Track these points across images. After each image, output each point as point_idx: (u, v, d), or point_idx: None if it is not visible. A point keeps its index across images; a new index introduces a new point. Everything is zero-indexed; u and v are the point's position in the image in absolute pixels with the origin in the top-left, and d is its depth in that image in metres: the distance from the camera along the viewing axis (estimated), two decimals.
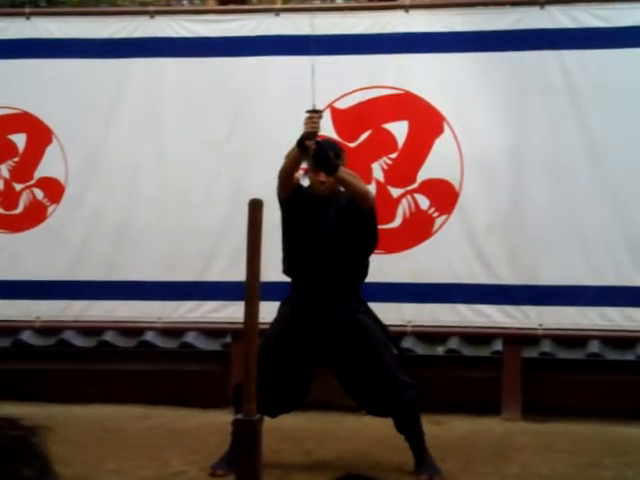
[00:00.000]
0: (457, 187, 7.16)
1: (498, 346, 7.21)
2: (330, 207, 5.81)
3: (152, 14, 7.59)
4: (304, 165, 5.87)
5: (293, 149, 5.61)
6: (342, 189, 5.83)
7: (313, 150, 5.52)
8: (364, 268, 5.89)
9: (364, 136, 7.28)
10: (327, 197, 5.81)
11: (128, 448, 6.31)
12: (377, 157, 7.25)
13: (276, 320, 5.88)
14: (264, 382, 5.15)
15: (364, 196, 5.71)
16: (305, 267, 5.77)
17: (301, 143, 5.52)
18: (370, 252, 5.91)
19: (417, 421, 5.78)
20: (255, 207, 4.53)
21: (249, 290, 4.45)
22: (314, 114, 5.54)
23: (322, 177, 5.72)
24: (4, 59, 7.69)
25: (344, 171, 5.69)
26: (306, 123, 5.54)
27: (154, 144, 7.50)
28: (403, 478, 5.71)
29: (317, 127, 5.53)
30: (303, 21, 7.41)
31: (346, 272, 5.77)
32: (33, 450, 1.31)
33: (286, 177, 5.73)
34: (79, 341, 7.67)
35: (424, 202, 7.21)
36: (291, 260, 5.87)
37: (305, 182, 5.96)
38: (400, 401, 5.70)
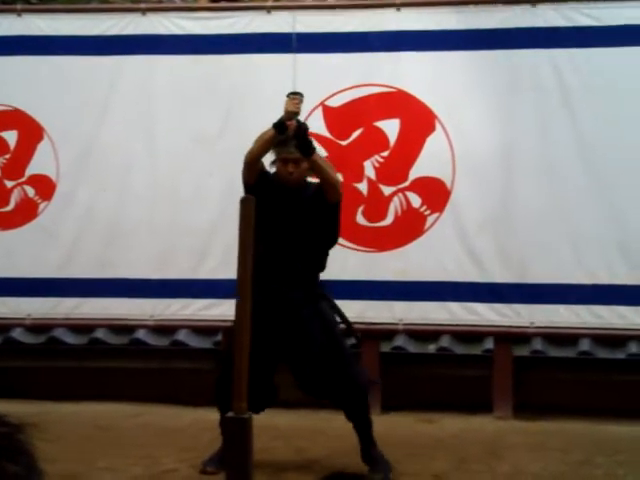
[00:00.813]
0: (449, 185, 7.16)
1: (489, 344, 7.22)
2: (295, 198, 5.73)
3: (144, 11, 7.58)
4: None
5: (267, 132, 5.57)
6: (308, 180, 5.79)
7: (293, 129, 5.48)
8: (324, 260, 5.83)
9: (356, 134, 7.28)
10: (293, 188, 5.73)
11: (120, 446, 6.30)
12: (369, 155, 7.25)
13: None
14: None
15: (335, 185, 5.66)
16: (267, 255, 5.67)
17: (279, 125, 5.48)
18: (332, 244, 5.83)
19: (367, 410, 5.77)
20: (246, 204, 4.53)
21: (241, 287, 4.45)
22: (296, 96, 5.52)
23: (290, 168, 5.67)
24: None
25: (319, 156, 5.67)
26: (288, 104, 5.51)
27: (146, 142, 7.49)
28: (395, 475, 5.70)
29: (299, 108, 5.52)
30: (294, 19, 7.40)
31: (308, 263, 5.73)
32: (19, 447, 1.31)
33: (255, 160, 5.65)
34: (70, 339, 7.66)
35: (416, 200, 7.21)
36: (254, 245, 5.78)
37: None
38: (354, 389, 5.67)
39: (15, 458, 1.28)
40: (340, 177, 5.86)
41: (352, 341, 6.20)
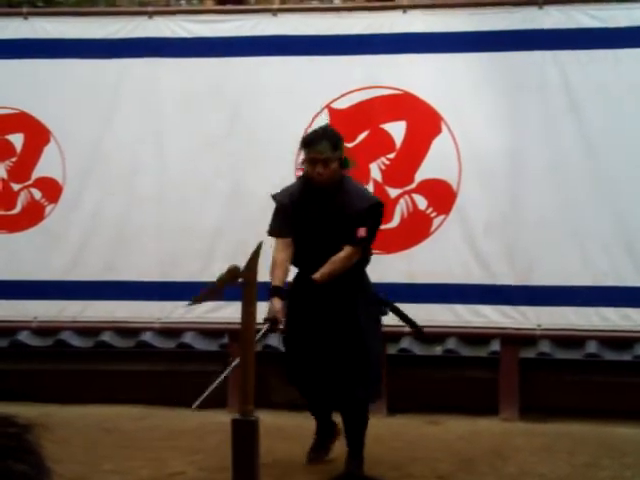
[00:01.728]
0: (455, 187, 7.16)
1: (496, 346, 7.21)
2: (329, 198, 5.73)
3: (150, 14, 7.59)
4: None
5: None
6: (346, 186, 5.80)
7: None
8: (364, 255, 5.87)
9: (362, 136, 7.28)
10: (326, 187, 5.74)
11: (126, 448, 6.31)
12: (375, 157, 7.25)
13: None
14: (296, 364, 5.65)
15: (348, 268, 5.69)
16: (306, 255, 5.74)
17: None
18: (367, 245, 5.88)
19: (363, 422, 5.81)
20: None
21: (247, 291, 4.46)
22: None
23: (319, 168, 5.66)
24: (2, 59, 7.68)
25: (324, 274, 5.63)
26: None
27: (152, 144, 7.50)
28: (401, 476, 5.71)
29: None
30: (300, 21, 7.42)
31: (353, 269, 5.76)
32: (27, 447, 1.32)
33: None
34: (77, 341, 7.67)
35: (422, 202, 7.21)
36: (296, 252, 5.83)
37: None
38: (350, 398, 5.72)
39: (24, 458, 1.29)
40: (350, 259, 5.75)
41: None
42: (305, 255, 5.76)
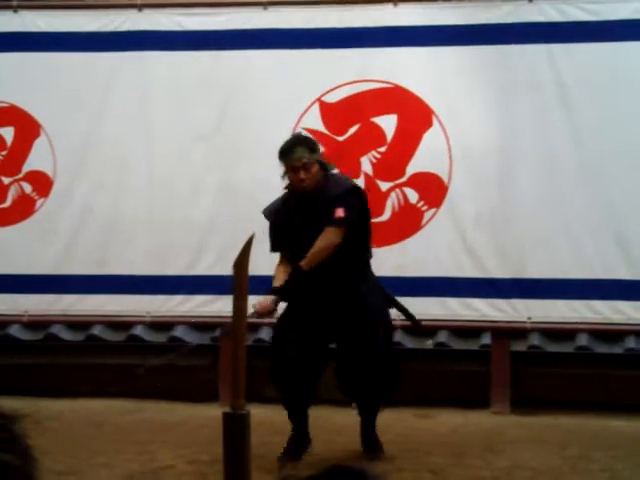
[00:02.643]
0: (446, 181, 7.16)
1: (487, 339, 7.22)
2: (316, 202, 5.77)
3: (140, 7, 7.56)
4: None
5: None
6: (329, 176, 5.83)
7: None
8: (363, 250, 5.90)
9: (353, 130, 7.28)
10: (311, 191, 5.78)
11: (117, 442, 6.30)
12: (366, 151, 7.25)
13: (287, 306, 5.94)
14: (282, 355, 5.67)
15: (332, 249, 5.69)
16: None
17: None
18: (366, 239, 5.92)
19: (377, 409, 5.96)
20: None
21: (238, 284, 4.45)
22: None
23: (302, 174, 5.70)
24: None
25: (307, 259, 5.67)
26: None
27: (143, 138, 7.49)
28: (392, 470, 5.71)
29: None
30: (291, 15, 7.40)
31: (344, 259, 5.75)
32: (13, 437, 1.31)
33: None
34: (68, 335, 7.66)
35: (413, 196, 7.21)
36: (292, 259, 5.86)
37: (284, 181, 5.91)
38: (381, 386, 5.85)
39: (10, 448, 1.29)
40: (330, 239, 5.73)
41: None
42: (299, 259, 5.77)
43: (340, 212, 5.67)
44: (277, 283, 5.80)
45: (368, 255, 5.95)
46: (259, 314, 5.69)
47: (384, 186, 7.23)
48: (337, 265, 5.72)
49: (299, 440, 5.88)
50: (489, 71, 7.14)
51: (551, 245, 7.01)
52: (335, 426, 6.50)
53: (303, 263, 5.68)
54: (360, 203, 5.83)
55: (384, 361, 5.83)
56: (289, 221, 5.83)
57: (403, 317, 6.26)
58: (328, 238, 5.70)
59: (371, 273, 5.96)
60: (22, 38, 7.63)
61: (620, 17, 6.99)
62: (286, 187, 5.92)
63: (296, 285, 5.77)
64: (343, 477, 1.36)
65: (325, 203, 5.71)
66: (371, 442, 5.97)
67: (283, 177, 5.85)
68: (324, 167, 5.85)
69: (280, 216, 5.86)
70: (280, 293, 5.78)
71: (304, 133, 5.98)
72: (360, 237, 5.86)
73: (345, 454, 5.96)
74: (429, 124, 7.18)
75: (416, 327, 6.47)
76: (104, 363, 7.57)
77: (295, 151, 5.71)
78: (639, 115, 6.96)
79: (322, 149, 5.98)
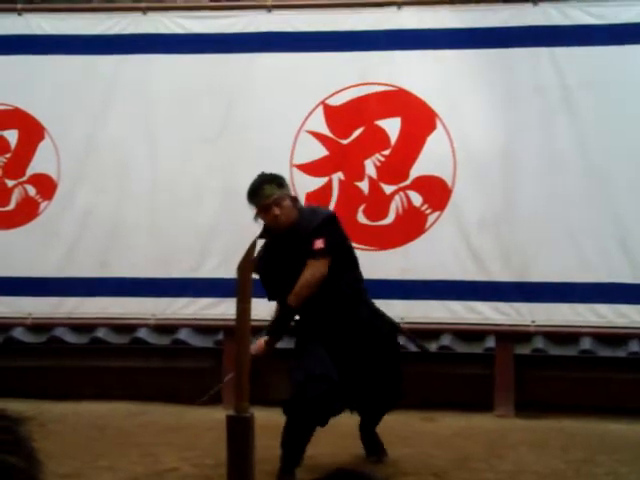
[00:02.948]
0: (450, 184, 7.16)
1: (490, 343, 7.22)
2: (295, 237, 5.60)
3: (144, 10, 7.58)
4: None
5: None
6: (302, 215, 5.66)
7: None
8: (352, 275, 5.81)
9: (357, 133, 7.28)
10: (287, 227, 5.62)
11: (121, 445, 6.30)
12: (370, 154, 7.25)
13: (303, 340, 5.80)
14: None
15: (318, 281, 5.57)
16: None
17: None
18: (352, 261, 5.82)
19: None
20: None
21: (241, 287, 4.46)
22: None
23: (275, 211, 5.57)
24: None
25: (296, 298, 5.58)
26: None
27: (146, 141, 7.49)
28: (396, 473, 5.71)
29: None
30: (295, 18, 7.41)
31: (336, 282, 5.63)
32: (18, 440, 1.32)
33: None
34: (71, 338, 7.66)
35: (417, 199, 7.21)
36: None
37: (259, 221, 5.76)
38: (392, 399, 5.85)
39: (15, 450, 1.29)
40: (314, 272, 5.59)
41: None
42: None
43: (319, 243, 5.52)
44: (273, 324, 5.75)
45: (359, 278, 5.85)
46: (253, 356, 5.45)
47: (388, 189, 7.23)
48: (329, 292, 5.60)
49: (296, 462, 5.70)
50: (493, 74, 7.14)
51: (555, 248, 7.00)
52: (338, 429, 6.48)
53: (291, 300, 5.57)
54: (339, 228, 5.71)
55: (398, 373, 5.84)
56: (274, 265, 5.66)
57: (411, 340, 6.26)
58: (312, 272, 5.55)
59: (369, 300, 5.88)
60: (26, 41, 7.65)
61: (624, 20, 6.99)
62: (261, 234, 5.70)
63: (286, 322, 5.71)
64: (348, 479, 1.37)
65: (305, 236, 5.55)
66: (375, 444, 5.97)
67: (256, 219, 5.69)
68: (294, 201, 5.73)
69: (266, 264, 5.65)
70: (272, 334, 5.71)
71: (267, 171, 5.84)
72: (345, 260, 5.73)
73: (349, 457, 5.96)
74: (433, 127, 7.18)
75: (424, 352, 6.43)
76: (108, 366, 7.58)
77: (264, 189, 5.59)
78: None
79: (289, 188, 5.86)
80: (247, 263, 4.62)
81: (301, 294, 5.56)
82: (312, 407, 5.46)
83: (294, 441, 5.60)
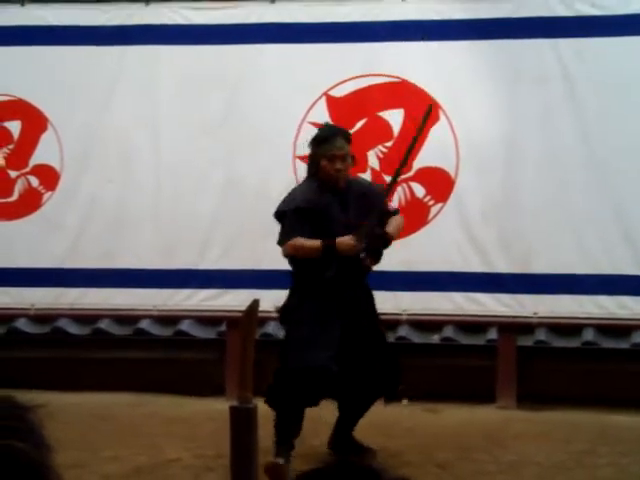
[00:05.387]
0: (453, 175, 7.16)
1: (493, 334, 7.22)
2: (346, 194, 5.67)
3: (147, 1, 7.57)
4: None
5: (312, 246, 5.51)
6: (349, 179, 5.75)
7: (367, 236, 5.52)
8: None
9: (359, 124, 7.27)
10: (341, 183, 5.64)
11: (124, 435, 6.32)
12: (372, 145, 7.24)
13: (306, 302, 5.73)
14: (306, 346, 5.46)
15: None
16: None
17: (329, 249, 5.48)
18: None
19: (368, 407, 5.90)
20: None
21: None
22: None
23: (338, 164, 5.57)
24: None
25: (396, 232, 5.78)
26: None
27: (149, 132, 7.49)
28: (399, 464, 5.71)
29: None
30: (298, 9, 7.40)
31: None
32: (29, 427, 1.32)
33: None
34: (74, 329, 7.67)
35: (420, 190, 7.21)
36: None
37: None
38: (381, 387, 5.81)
39: (26, 437, 1.30)
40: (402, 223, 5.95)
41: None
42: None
43: (391, 205, 5.88)
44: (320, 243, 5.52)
45: None
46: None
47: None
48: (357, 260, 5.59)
49: (291, 441, 5.69)
50: (496, 66, 7.13)
51: (557, 240, 7.00)
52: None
53: (393, 232, 5.72)
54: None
55: (393, 357, 5.83)
56: (327, 213, 5.60)
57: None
58: (402, 222, 5.87)
59: None
60: (29, 32, 7.64)
61: (628, 12, 6.97)
62: (308, 178, 5.73)
63: (383, 248, 5.69)
64: (350, 471, 1.37)
65: (369, 199, 5.64)
66: (356, 446, 5.86)
67: (312, 165, 5.68)
68: (354, 162, 5.78)
69: (317, 207, 5.59)
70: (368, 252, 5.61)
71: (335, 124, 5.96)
72: None
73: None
74: (436, 119, 7.16)
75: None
76: (110, 357, 7.58)
77: (336, 140, 5.60)
78: None
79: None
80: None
81: (398, 232, 5.82)
82: (309, 375, 5.49)
83: (287, 417, 5.62)
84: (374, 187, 5.90)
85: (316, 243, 5.48)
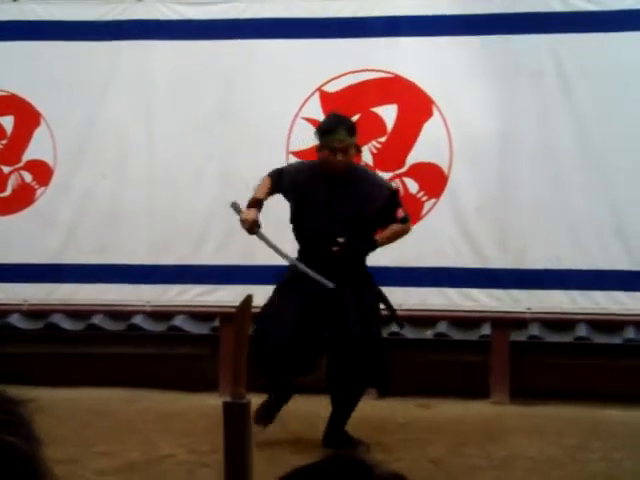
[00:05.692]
0: (446, 171, 7.16)
1: (486, 330, 7.23)
2: (347, 186, 5.78)
3: None
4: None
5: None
6: (356, 171, 5.86)
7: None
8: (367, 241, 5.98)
9: (353, 120, 7.26)
10: (342, 175, 5.77)
11: (117, 431, 6.31)
12: (366, 141, 7.23)
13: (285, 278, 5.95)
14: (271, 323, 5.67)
15: (399, 238, 5.98)
16: (313, 238, 5.81)
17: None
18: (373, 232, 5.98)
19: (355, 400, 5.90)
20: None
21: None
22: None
23: (339, 156, 5.69)
24: None
25: (385, 241, 5.89)
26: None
27: (143, 127, 7.48)
28: (392, 459, 5.72)
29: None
30: (292, 4, 7.39)
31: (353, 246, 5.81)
32: (18, 420, 1.32)
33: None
34: (67, 324, 7.66)
35: (413, 186, 7.21)
36: (300, 231, 5.92)
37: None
38: (366, 377, 5.84)
39: (15, 430, 1.29)
40: (402, 232, 6.02)
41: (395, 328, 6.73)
42: (314, 236, 5.79)
43: (401, 213, 5.85)
44: (259, 195, 5.87)
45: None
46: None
47: (384, 176, 7.22)
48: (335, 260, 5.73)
49: (275, 405, 5.97)
50: (490, 61, 7.13)
51: (551, 235, 7.01)
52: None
53: (382, 240, 5.85)
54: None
55: (377, 350, 5.83)
56: (315, 195, 5.81)
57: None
58: (403, 229, 5.93)
59: (366, 266, 6.00)
60: (22, 27, 7.62)
61: (623, 7, 6.98)
62: (312, 162, 5.97)
63: (366, 252, 5.89)
64: (342, 466, 1.37)
65: (369, 197, 5.76)
66: (348, 440, 5.90)
67: (320, 151, 5.80)
68: (358, 151, 5.94)
69: (304, 180, 5.85)
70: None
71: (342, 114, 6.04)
72: (370, 230, 5.89)
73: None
74: (429, 114, 7.17)
75: (396, 323, 6.46)
76: (104, 352, 7.58)
77: (338, 132, 5.71)
78: None
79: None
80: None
81: (389, 241, 5.90)
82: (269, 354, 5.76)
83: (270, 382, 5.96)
84: (383, 192, 5.87)
85: (252, 198, 5.86)
